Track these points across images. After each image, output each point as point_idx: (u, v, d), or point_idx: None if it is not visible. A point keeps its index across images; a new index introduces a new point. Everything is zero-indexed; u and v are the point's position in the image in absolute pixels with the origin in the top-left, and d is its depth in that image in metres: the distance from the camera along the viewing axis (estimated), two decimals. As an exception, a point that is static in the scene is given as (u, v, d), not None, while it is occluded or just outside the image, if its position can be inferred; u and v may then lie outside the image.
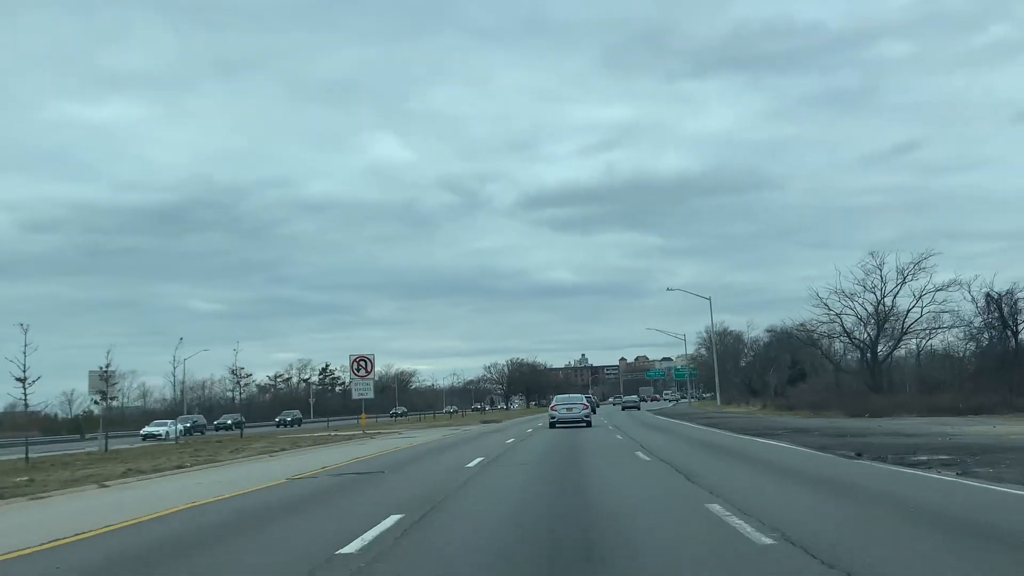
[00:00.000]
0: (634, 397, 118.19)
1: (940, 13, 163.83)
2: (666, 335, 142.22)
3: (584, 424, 42.18)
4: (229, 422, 78.74)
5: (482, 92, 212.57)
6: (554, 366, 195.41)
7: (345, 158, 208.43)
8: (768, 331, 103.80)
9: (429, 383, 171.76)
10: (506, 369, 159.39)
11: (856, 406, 42.75)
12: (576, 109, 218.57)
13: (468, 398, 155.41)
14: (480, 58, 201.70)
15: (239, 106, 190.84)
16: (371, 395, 43.97)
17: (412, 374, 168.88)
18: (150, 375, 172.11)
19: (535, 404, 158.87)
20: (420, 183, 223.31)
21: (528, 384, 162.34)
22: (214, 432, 70.58)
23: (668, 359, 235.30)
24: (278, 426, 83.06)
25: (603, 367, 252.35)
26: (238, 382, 44.27)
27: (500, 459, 21.28)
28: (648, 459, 19.88)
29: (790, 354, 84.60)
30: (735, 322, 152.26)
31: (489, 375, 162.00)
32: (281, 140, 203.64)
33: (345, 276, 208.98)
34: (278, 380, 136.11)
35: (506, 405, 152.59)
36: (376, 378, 42.43)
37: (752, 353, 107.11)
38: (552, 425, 41.78)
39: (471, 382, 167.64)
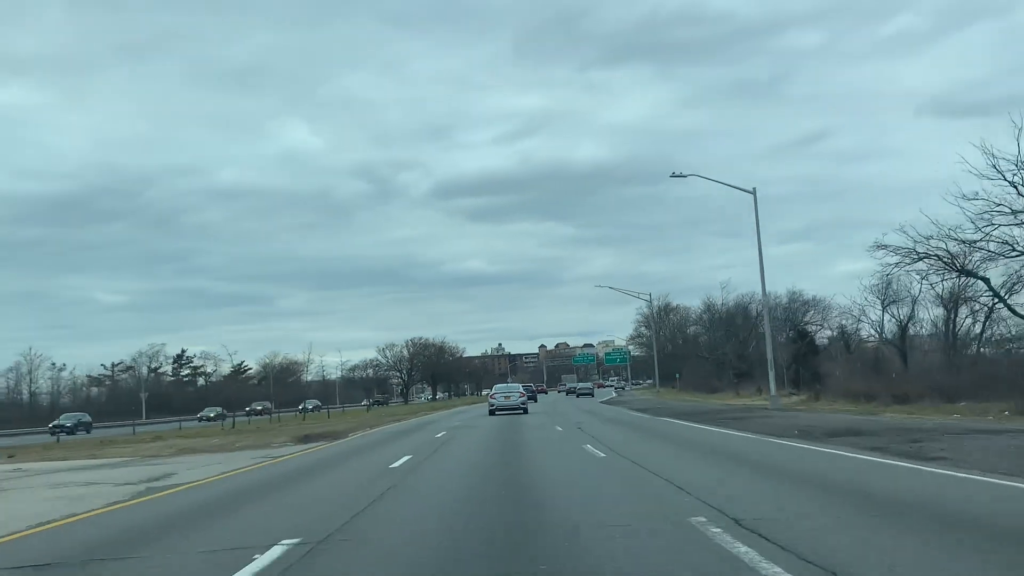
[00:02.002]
0: (589, 384, 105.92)
1: (848, 3, 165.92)
2: (620, 293, 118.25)
3: (521, 411, 43.40)
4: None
5: (395, 78, 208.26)
6: (471, 354, 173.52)
7: (255, 145, 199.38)
8: (740, 301, 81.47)
9: (338, 374, 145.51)
10: (406, 352, 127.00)
11: None
12: (491, 97, 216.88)
13: (381, 387, 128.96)
14: (393, 43, 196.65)
15: (143, 91, 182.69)
16: None
17: (303, 364, 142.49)
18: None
19: (447, 396, 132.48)
20: (333, 171, 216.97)
21: (435, 371, 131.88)
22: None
23: (590, 345, 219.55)
24: None
25: (521, 355, 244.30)
26: None
27: None
28: None
29: (790, 322, 62.52)
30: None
31: (384, 360, 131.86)
32: (188, 126, 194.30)
33: (259, 266, 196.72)
34: (115, 370, 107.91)
35: (405, 398, 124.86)
36: None
37: (718, 330, 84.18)
38: (492, 412, 43.59)
39: (355, 368, 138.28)
